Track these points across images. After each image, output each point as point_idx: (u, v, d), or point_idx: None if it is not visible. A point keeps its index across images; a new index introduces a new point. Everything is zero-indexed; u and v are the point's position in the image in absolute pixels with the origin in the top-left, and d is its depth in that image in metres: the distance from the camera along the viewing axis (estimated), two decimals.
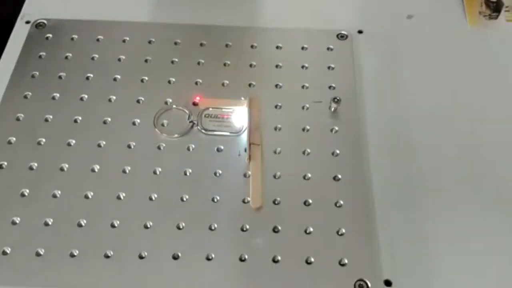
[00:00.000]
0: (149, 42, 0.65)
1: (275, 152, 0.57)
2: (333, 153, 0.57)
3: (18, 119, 0.58)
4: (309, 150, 0.57)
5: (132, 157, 0.56)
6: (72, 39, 0.65)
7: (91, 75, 0.62)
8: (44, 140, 0.56)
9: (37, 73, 0.62)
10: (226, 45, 0.65)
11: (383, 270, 0.50)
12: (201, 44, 0.65)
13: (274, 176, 0.55)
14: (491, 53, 0.68)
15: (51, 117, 0.58)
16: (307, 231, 0.52)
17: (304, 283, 0.49)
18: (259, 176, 0.55)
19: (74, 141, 0.57)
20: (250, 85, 0.62)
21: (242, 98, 0.60)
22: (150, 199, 0.53)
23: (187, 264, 0.50)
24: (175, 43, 0.65)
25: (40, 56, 0.63)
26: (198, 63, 0.64)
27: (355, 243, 0.51)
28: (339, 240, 0.51)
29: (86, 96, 0.60)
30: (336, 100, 0.59)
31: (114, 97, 0.60)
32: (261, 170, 0.55)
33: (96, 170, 0.55)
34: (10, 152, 0.55)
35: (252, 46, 0.66)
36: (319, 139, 0.58)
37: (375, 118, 0.60)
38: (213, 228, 0.52)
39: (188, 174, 0.55)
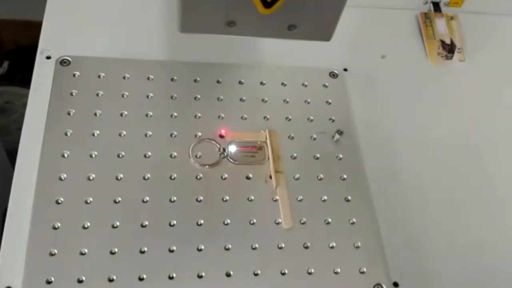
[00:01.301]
0: (172, 79, 0.73)
1: (294, 178, 0.67)
2: (341, 178, 0.68)
3: (63, 155, 0.63)
4: (321, 176, 0.68)
5: (175, 187, 0.64)
6: (99, 76, 0.71)
7: (125, 112, 0.68)
8: (93, 175, 0.62)
9: (73, 110, 0.67)
10: (239, 82, 0.74)
11: (393, 274, 0.63)
12: (218, 81, 0.74)
13: (297, 199, 0.66)
14: (449, 88, 0.83)
15: (95, 153, 0.64)
16: (331, 246, 0.63)
17: (330, 284, 0.60)
18: (287, 200, 0.65)
19: (121, 175, 0.63)
20: (265, 118, 0.72)
21: (262, 131, 0.70)
22: (198, 224, 0.62)
23: (238, 281, 0.59)
24: (195, 81, 0.73)
25: (71, 94, 0.68)
26: (218, 99, 0.72)
27: (370, 253, 0.63)
28: (357, 252, 0.63)
29: (124, 132, 0.66)
30: (339, 132, 0.70)
31: (150, 132, 0.67)
32: (287, 195, 0.65)
33: (146, 200, 0.62)
34: (63, 188, 0.61)
35: (261, 83, 0.75)
36: (328, 166, 0.69)
37: (367, 144, 0.72)
38: (253, 247, 0.61)
39: (225, 200, 0.64)
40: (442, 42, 0.86)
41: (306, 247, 0.62)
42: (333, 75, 0.78)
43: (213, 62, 0.75)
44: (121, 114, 0.68)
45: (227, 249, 0.61)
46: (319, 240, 0.63)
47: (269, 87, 0.75)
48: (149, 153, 0.66)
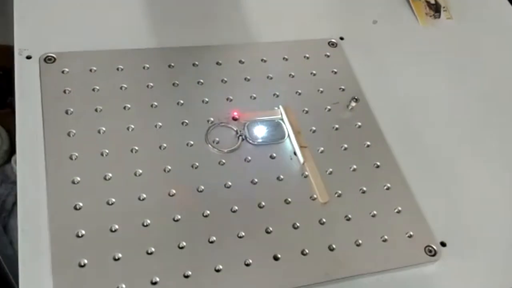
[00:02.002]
0: (169, 66, 0.67)
1: (319, 151, 0.64)
2: (365, 145, 0.66)
3: (71, 157, 0.57)
4: (345, 146, 0.65)
5: (200, 176, 0.59)
6: (91, 70, 0.64)
7: (128, 105, 0.62)
8: (110, 175, 0.56)
9: (71, 108, 0.60)
10: (240, 61, 0.70)
11: (437, 234, 0.60)
12: (218, 63, 0.69)
13: (326, 172, 0.62)
14: (442, 45, 0.82)
15: (106, 151, 0.58)
16: (372, 214, 0.60)
17: (388, 257, 0.57)
18: (317, 173, 0.61)
19: (140, 171, 0.57)
20: (274, 95, 0.68)
21: (276, 108, 0.66)
22: (232, 211, 0.57)
23: (287, 263, 0.55)
24: (194, 65, 0.68)
25: (65, 91, 0.62)
26: (222, 81, 0.68)
27: (412, 216, 0.60)
28: (399, 217, 0.60)
29: (132, 126, 0.61)
30: (355, 99, 0.68)
31: (160, 123, 0.62)
32: (316, 169, 0.62)
33: (172, 194, 0.57)
34: (78, 192, 0.54)
35: (262, 60, 0.71)
36: (349, 135, 0.66)
37: (376, 109, 0.70)
38: (296, 226, 0.57)
39: (255, 182, 0.59)
40: (427, 2, 0.85)
41: (348, 219, 0.59)
42: (332, 44, 0.75)
43: (208, 44, 0.71)
44: (124, 108, 0.62)
45: (269, 232, 0.56)
46: (358, 210, 0.60)
47: (271, 63, 0.71)
48: (164, 145, 0.60)
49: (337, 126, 0.67)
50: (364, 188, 0.62)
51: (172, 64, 0.68)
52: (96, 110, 0.61)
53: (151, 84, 0.65)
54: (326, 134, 0.66)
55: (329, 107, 0.68)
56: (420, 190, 0.63)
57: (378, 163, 0.64)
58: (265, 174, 0.60)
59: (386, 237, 0.58)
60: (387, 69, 0.76)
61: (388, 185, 0.63)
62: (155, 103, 0.63)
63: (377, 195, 0.61)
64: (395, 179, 0.63)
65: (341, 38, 0.77)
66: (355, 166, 0.63)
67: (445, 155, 0.68)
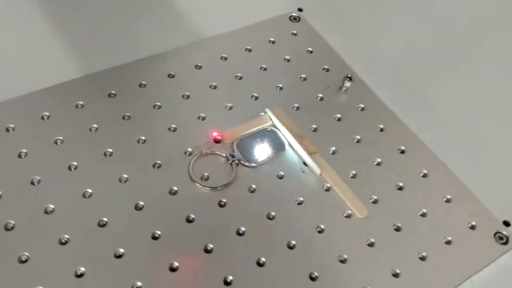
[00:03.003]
0: (110, 95, 0.51)
1: (331, 153, 0.50)
2: (379, 129, 0.53)
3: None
4: (358, 137, 0.52)
5: (201, 231, 0.44)
6: (7, 129, 0.47)
7: (74, 163, 0.46)
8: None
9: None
10: (196, 66, 0.55)
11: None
12: (170, 75, 0.54)
13: (350, 176, 0.49)
14: None
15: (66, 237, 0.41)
16: (421, 213, 0.48)
17: (462, 262, 0.45)
18: (342, 182, 0.48)
19: (122, 251, 0.41)
20: (252, 97, 0.54)
21: (261, 114, 0.52)
22: (259, 264, 0.42)
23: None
24: (140, 85, 0.52)
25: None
26: (183, 96, 0.52)
27: (465, 203, 0.49)
28: (452, 207, 0.49)
29: (89, 191, 0.44)
30: (349, 78, 0.55)
31: (125, 176, 0.46)
32: (338, 177, 0.48)
33: (174, 267, 0.41)
34: None
35: (222, 58, 0.56)
36: (356, 122, 0.53)
37: (370, 81, 0.57)
38: (343, 259, 0.44)
39: (272, 217, 0.45)
40: None
41: (397, 229, 0.47)
42: (294, 19, 0.62)
43: (149, 55, 0.55)
44: (70, 168, 0.46)
45: (314, 278, 0.42)
46: (404, 213, 0.47)
47: (234, 59, 0.56)
48: (141, 203, 0.44)
49: (338, 115, 0.53)
50: (400, 184, 0.49)
51: (113, 92, 0.51)
52: (32, 183, 0.44)
53: (94, 125, 0.48)
54: (330, 128, 0.52)
55: (320, 95, 0.55)
56: (459, 168, 0.51)
57: (403, 148, 0.52)
58: (280, 201, 0.46)
59: (448, 237, 0.46)
60: (368, 34, 0.64)
61: (424, 171, 0.50)
62: (109, 150, 0.47)
63: (417, 188, 0.49)
64: (429, 163, 0.51)
65: (300, 10, 0.64)
66: (379, 159, 0.51)
67: (471, 119, 0.57)
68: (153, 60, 0.54)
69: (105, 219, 0.43)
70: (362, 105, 0.55)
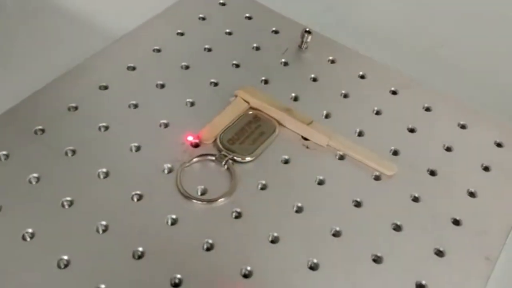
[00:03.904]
0: (36, 132, 0.39)
1: (323, 116, 0.43)
2: (360, 76, 0.46)
3: None
4: (343, 91, 0.45)
5: (224, 255, 0.34)
6: None
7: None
8: None
9: None
10: (129, 68, 0.45)
11: None
12: (102, 87, 0.43)
13: (356, 133, 0.42)
14: None
15: None
16: (447, 148, 0.42)
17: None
18: (355, 145, 0.41)
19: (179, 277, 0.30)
20: (211, 84, 0.44)
21: (231, 99, 0.43)
22: (311, 267, 0.34)
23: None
24: (70, 109, 0.41)
25: None
26: (130, 106, 0.42)
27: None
28: (462, 132, 0.43)
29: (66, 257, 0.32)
30: (307, 31, 0.47)
31: (104, 222, 0.34)
32: (347, 139, 0.41)
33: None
34: None
35: (155, 50, 0.46)
36: (333, 77, 0.46)
37: (336, 32, 0.51)
38: (395, 225, 0.37)
39: (298, 209, 0.37)
40: None
41: (432, 173, 0.40)
42: None
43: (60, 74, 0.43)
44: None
45: (377, 261, 0.34)
46: (429, 154, 0.41)
47: (170, 48, 0.47)
48: (140, 249, 0.33)
49: (312, 75, 0.46)
50: (410, 125, 0.43)
51: (40, 128, 0.39)
52: None
53: (34, 175, 0.36)
54: (311, 91, 0.45)
55: (283, 60, 0.47)
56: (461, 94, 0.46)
57: (393, 88, 0.46)
58: (298, 189, 0.38)
59: (472, 189, 0.40)
60: None
61: (426, 105, 0.44)
62: (67, 199, 0.35)
63: (426, 123, 0.43)
64: (426, 96, 0.45)
65: None
66: (375, 108, 0.44)
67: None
68: (75, 75, 0.43)
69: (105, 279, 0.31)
70: (331, 57, 0.48)
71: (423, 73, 0.50)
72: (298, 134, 0.41)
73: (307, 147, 0.40)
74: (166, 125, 0.41)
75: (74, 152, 0.38)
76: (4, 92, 0.42)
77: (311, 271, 0.34)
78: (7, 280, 0.31)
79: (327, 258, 0.34)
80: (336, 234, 0.36)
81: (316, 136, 0.40)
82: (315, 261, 0.34)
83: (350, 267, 0.34)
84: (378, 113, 0.44)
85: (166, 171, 0.38)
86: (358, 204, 0.37)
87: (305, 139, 0.41)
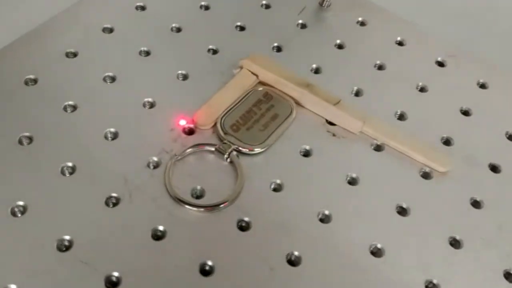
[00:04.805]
0: None
1: (352, 93, 0.34)
2: (396, 42, 0.37)
3: None
4: (378, 62, 0.36)
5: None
6: None
7: None
8: None
9: None
10: (104, 30, 0.35)
11: None
12: (68, 54, 0.33)
13: (396, 115, 0.33)
14: None
15: None
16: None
17: None
18: (397, 131, 0.31)
19: None
20: (209, 51, 0.35)
21: (234, 71, 0.33)
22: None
23: None
24: (27, 84, 0.31)
25: None
26: (105, 80, 0.32)
27: None
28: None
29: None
30: None
31: (68, 237, 0.25)
32: (387, 124, 0.32)
33: None
34: None
35: (138, 8, 0.36)
36: (366, 43, 0.37)
37: None
38: (456, 243, 0.28)
39: (325, 217, 0.28)
40: None
41: (494, 168, 0.31)
42: None
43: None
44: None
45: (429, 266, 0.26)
46: (486, 140, 0.32)
47: (155, 5, 0.37)
48: (116, 274, 0.24)
49: (337, 41, 0.36)
50: (464, 107, 0.33)
51: None
52: None
53: None
54: (335, 62, 0.35)
55: (300, 21, 0.37)
56: None
57: (439, 59, 0.36)
58: (323, 189, 0.29)
59: None
60: None
61: (481, 80, 0.35)
62: (20, 204, 0.26)
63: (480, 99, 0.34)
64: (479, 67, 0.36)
65: None
66: (419, 83, 0.35)
67: None
68: (35, 39, 0.33)
69: None
70: (360, 19, 0.38)
71: (471, 42, 0.40)
72: (322, 117, 0.32)
73: (334, 135, 0.31)
74: (151, 105, 0.32)
75: (30, 140, 0.29)
76: None
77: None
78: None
79: (366, 283, 0.25)
80: (377, 253, 0.27)
81: (346, 120, 0.31)
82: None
83: None
84: (422, 89, 0.35)
85: (151, 166, 0.29)
86: (403, 211, 0.29)
87: (331, 123, 0.32)
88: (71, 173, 0.28)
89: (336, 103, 0.32)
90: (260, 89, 0.32)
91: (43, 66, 0.32)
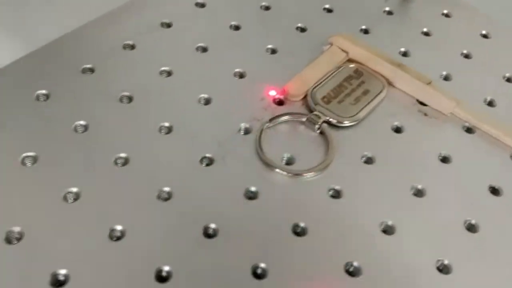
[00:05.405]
0: (84, 71, 0.30)
1: (442, 79, 0.33)
2: (481, 35, 0.37)
3: None
4: (465, 51, 0.35)
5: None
6: None
7: None
8: None
9: None
10: (197, 4, 0.35)
11: None
12: (163, 25, 0.34)
13: (485, 102, 0.32)
14: None
15: None
16: None
17: None
18: (488, 115, 0.31)
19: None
20: (297, 29, 0.35)
21: (324, 47, 0.33)
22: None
23: None
24: (125, 47, 0.32)
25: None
26: (198, 49, 0.33)
27: None
28: None
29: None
30: None
31: (168, 189, 0.25)
32: (477, 107, 0.31)
33: None
34: None
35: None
36: (452, 33, 0.37)
37: None
38: None
39: (413, 190, 0.27)
40: None
41: None
42: None
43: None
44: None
45: None
46: None
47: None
48: (213, 226, 0.24)
49: (424, 29, 0.36)
50: None
51: (88, 67, 0.30)
52: None
53: (81, 122, 0.28)
54: (422, 47, 0.35)
55: (386, 8, 0.37)
56: None
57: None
58: (415, 164, 0.29)
59: None
60: None
61: None
62: (122, 155, 0.26)
63: None
64: None
65: None
66: (507, 74, 0.34)
67: None
68: (134, 9, 0.34)
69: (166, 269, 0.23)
70: (445, 11, 0.38)
71: None
72: (412, 97, 0.32)
73: (425, 114, 0.31)
74: (241, 75, 0.32)
75: (130, 99, 0.29)
76: (49, 22, 0.34)
77: (439, 273, 0.24)
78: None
79: (459, 259, 0.25)
80: (471, 229, 0.26)
81: (439, 100, 0.31)
82: (446, 262, 0.25)
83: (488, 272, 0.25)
84: (510, 80, 0.34)
85: (242, 131, 0.29)
86: (495, 192, 0.28)
87: (422, 103, 0.31)
88: (167, 133, 0.28)
89: (428, 84, 0.31)
90: (352, 65, 0.32)
91: (141, 34, 0.33)
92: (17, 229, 0.24)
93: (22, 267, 0.23)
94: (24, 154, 0.26)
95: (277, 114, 0.30)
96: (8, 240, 0.23)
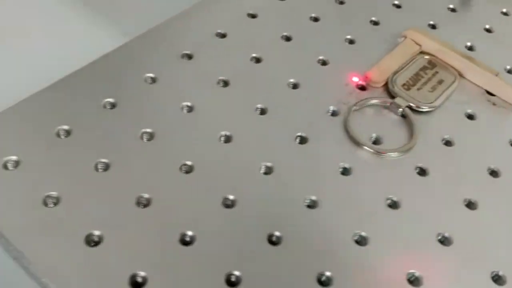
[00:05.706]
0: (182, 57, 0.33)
1: (506, 71, 0.36)
2: None
3: None
4: None
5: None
6: None
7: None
8: None
9: None
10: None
11: None
12: (249, 15, 0.36)
13: None
14: None
15: None
16: None
17: None
18: None
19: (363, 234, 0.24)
20: (371, 22, 0.38)
21: (399, 39, 0.36)
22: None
23: None
24: (216, 35, 0.35)
25: None
26: (282, 38, 0.35)
27: None
28: None
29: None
30: None
31: (270, 164, 0.28)
32: None
33: None
34: None
35: None
36: (510, 28, 0.39)
37: None
38: None
39: (489, 171, 0.30)
40: None
41: None
42: None
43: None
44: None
45: None
46: None
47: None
48: (313, 198, 0.27)
49: (487, 26, 0.39)
50: None
51: (187, 53, 0.33)
52: None
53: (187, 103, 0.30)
54: (486, 42, 0.38)
55: (450, 6, 0.40)
56: None
57: None
58: (488, 148, 0.31)
59: None
60: None
61: None
62: (226, 134, 0.29)
63: None
64: None
65: None
66: None
67: None
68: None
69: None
70: (504, 10, 0.41)
71: None
72: (481, 87, 0.34)
73: (494, 104, 0.34)
74: (324, 62, 0.34)
75: (226, 83, 0.32)
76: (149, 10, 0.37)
77: None
78: None
79: None
80: None
81: (507, 90, 0.33)
82: None
83: None
84: None
85: (330, 114, 0.32)
86: None
87: (490, 94, 0.34)
88: (261, 114, 0.31)
89: (496, 75, 0.34)
90: (426, 57, 0.35)
91: (231, 23, 0.35)
92: (97, 232, 0.25)
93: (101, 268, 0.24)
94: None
95: (360, 98, 0.32)
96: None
